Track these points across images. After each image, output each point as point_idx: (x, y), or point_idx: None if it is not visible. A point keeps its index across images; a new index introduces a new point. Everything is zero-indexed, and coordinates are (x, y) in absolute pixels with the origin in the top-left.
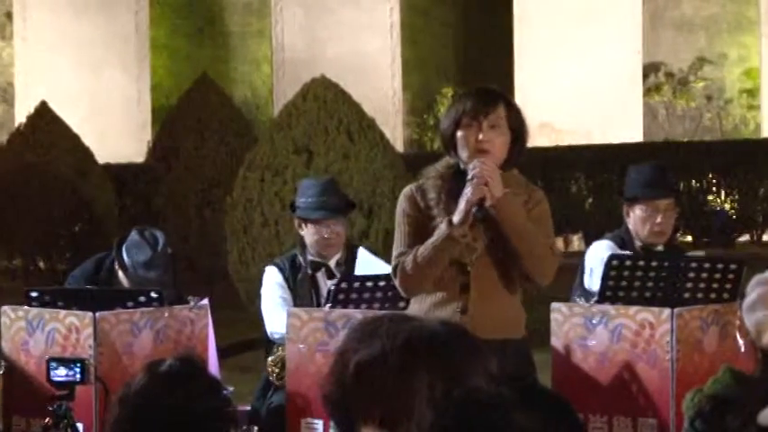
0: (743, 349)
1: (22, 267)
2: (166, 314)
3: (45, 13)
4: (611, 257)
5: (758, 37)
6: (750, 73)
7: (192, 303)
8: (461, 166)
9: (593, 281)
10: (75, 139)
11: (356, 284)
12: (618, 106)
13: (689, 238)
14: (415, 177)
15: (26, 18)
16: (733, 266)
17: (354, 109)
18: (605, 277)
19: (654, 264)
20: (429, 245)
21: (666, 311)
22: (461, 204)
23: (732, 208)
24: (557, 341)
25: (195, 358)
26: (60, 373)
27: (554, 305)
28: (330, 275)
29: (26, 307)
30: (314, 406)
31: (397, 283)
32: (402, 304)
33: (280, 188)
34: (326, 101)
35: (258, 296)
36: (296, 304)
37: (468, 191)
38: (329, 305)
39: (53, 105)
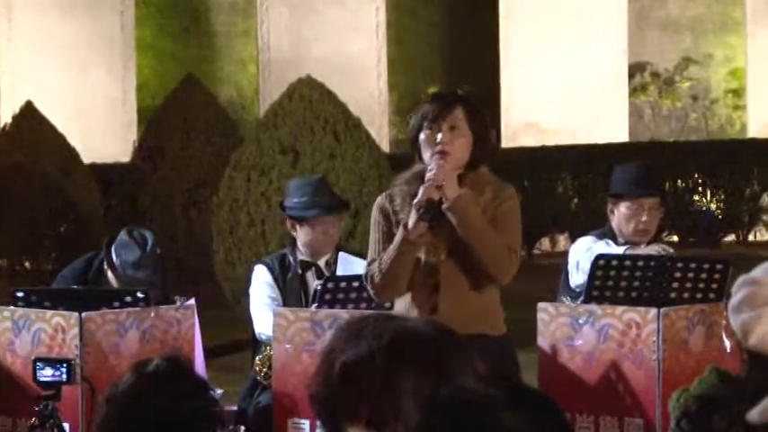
0: (729, 349)
1: (7, 267)
2: (153, 314)
3: (30, 13)
4: (598, 257)
5: (744, 37)
6: (736, 73)
7: (178, 303)
8: (422, 168)
9: (579, 275)
10: (60, 138)
11: (342, 284)
12: (604, 106)
13: (675, 238)
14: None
15: (11, 18)
16: (719, 266)
17: (340, 109)
18: (592, 277)
19: (640, 263)
20: (390, 251)
21: (653, 311)
22: (413, 217)
23: (718, 208)
24: (543, 341)
25: (182, 358)
26: (47, 374)
27: (540, 305)
28: (320, 275)
29: (12, 307)
30: (300, 406)
31: (369, 290)
32: (388, 304)
33: (266, 188)
34: (312, 101)
35: (245, 295)
36: (285, 304)
37: (419, 193)
38: (315, 305)
39: (38, 105)
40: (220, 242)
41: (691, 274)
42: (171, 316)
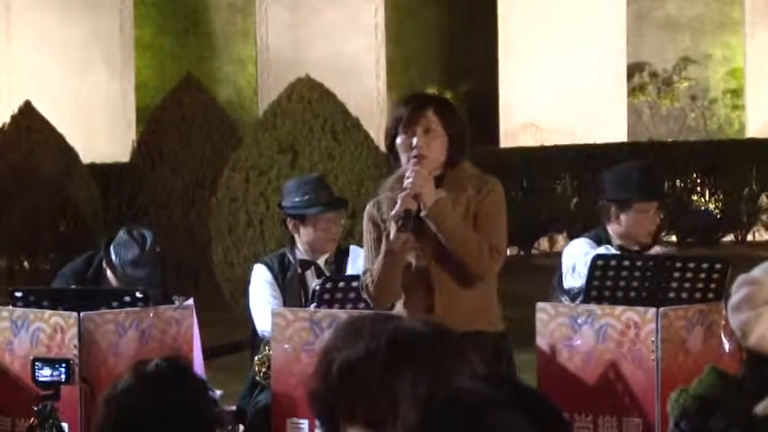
0: (728, 349)
1: (6, 267)
2: (151, 314)
3: (29, 13)
4: (597, 257)
5: (742, 37)
6: (734, 73)
7: (176, 303)
8: (403, 172)
9: (574, 278)
10: (59, 138)
11: (341, 284)
12: (602, 106)
13: (674, 238)
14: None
15: (10, 18)
16: (718, 266)
17: (339, 109)
18: (590, 277)
19: (639, 263)
20: (378, 261)
21: (652, 311)
22: (392, 228)
23: (717, 208)
24: (542, 341)
25: (181, 359)
26: (45, 374)
27: (539, 305)
28: (319, 274)
29: (11, 307)
30: (299, 406)
31: (366, 298)
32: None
33: (264, 188)
34: (311, 101)
35: (243, 295)
36: (285, 303)
37: (397, 204)
38: (314, 305)
39: (37, 105)
40: (219, 242)
41: (689, 274)
42: (170, 316)
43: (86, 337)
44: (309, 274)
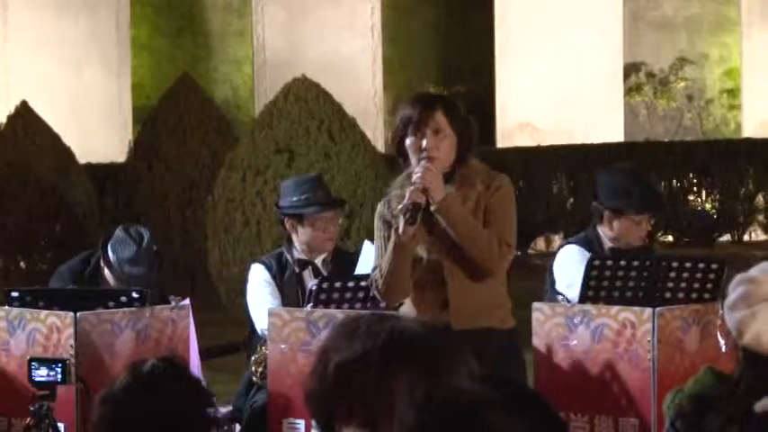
0: (724, 349)
1: (2, 267)
2: (148, 314)
3: (26, 12)
4: (593, 258)
5: (739, 37)
6: (731, 73)
7: (173, 303)
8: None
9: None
10: (55, 138)
11: (337, 284)
12: (599, 106)
13: (669, 238)
14: (395, 177)
15: (7, 17)
16: (714, 266)
17: (336, 109)
18: (586, 277)
19: (635, 264)
20: (387, 256)
21: (648, 311)
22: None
23: (713, 208)
24: (538, 341)
25: (178, 359)
26: (42, 374)
27: (535, 305)
28: (317, 274)
29: (7, 307)
30: (296, 406)
31: (376, 295)
32: (383, 304)
33: (261, 188)
34: (308, 101)
35: (240, 295)
36: (283, 303)
37: (406, 197)
38: (310, 305)
39: (33, 105)
40: (215, 242)
41: (686, 274)
42: (166, 316)
43: (83, 337)
44: (307, 273)
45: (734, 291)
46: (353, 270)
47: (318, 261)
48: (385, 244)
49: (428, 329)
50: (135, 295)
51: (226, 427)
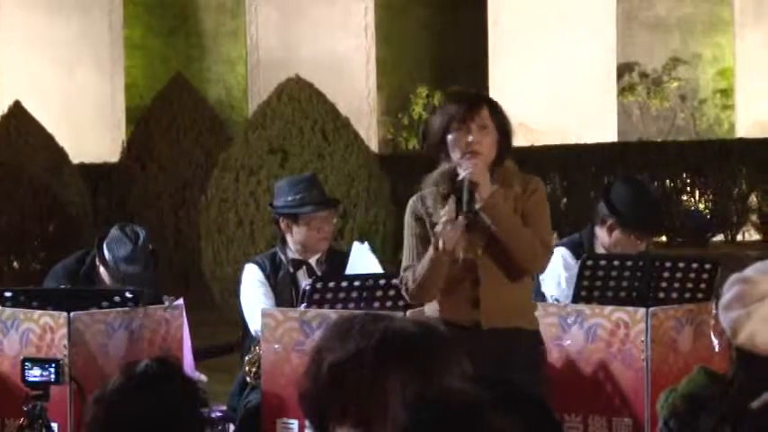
0: (717, 349)
1: None
2: (141, 314)
3: (18, 12)
4: (586, 257)
5: (732, 37)
6: (724, 73)
7: (166, 303)
8: (457, 168)
9: (561, 290)
10: (48, 138)
11: (331, 284)
12: (592, 106)
13: (663, 238)
14: (389, 177)
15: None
16: (708, 266)
17: (329, 109)
18: (580, 277)
19: (629, 263)
20: (423, 265)
21: (641, 311)
22: (450, 206)
23: (706, 208)
24: None
25: (172, 359)
26: (35, 374)
27: None
28: (311, 274)
29: (0, 307)
30: (289, 406)
31: (403, 294)
32: (377, 305)
33: (254, 188)
34: (301, 101)
35: (233, 295)
36: (277, 303)
37: (464, 179)
38: (304, 305)
39: (26, 105)
40: (208, 242)
41: (679, 274)
42: (160, 316)
43: (76, 337)
44: (301, 273)
45: (729, 290)
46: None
47: (312, 261)
48: (418, 242)
49: (422, 330)
50: (129, 295)
51: (219, 427)
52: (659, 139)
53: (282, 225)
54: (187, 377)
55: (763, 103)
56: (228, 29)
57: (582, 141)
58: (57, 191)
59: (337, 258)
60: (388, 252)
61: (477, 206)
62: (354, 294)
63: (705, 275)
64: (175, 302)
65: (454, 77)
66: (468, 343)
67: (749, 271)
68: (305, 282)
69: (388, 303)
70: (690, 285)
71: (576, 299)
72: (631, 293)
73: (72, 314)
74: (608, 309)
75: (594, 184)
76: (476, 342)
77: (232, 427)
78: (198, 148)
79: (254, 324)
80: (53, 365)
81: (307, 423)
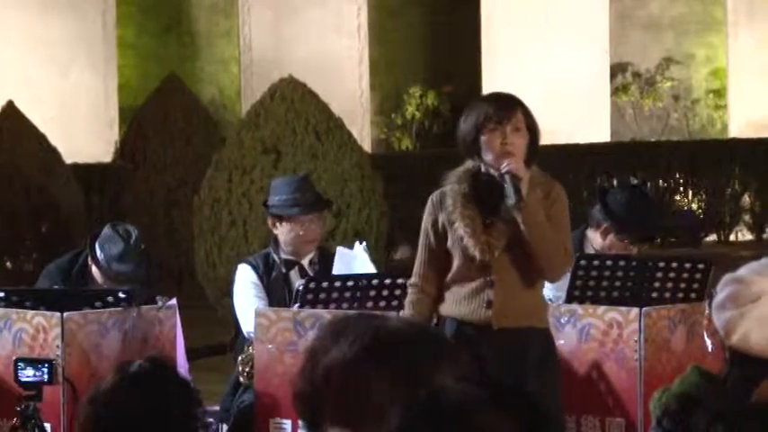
0: (710, 349)
1: None
2: (134, 314)
3: (11, 11)
4: (579, 257)
5: (725, 37)
6: (717, 73)
7: (159, 303)
8: (482, 168)
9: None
10: (41, 138)
11: (324, 284)
12: (585, 106)
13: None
14: (382, 177)
15: None
16: (701, 266)
17: (322, 109)
18: (573, 277)
19: (622, 263)
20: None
21: (634, 311)
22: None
23: (699, 208)
24: None
25: (165, 359)
26: (28, 374)
27: None
28: (303, 274)
29: None
30: (282, 406)
31: (410, 294)
32: (370, 304)
33: (247, 188)
34: (294, 101)
35: (226, 295)
36: (269, 303)
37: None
38: (297, 305)
39: (19, 105)
40: (202, 242)
41: (672, 274)
42: (153, 316)
43: (69, 337)
44: (294, 273)
45: (722, 290)
46: None
47: (305, 261)
48: (429, 243)
49: (415, 329)
50: (122, 295)
51: (213, 428)
52: (652, 139)
53: (270, 223)
54: (180, 377)
55: (756, 104)
56: (222, 29)
57: (575, 141)
58: (50, 191)
59: (330, 259)
60: (381, 252)
61: (511, 203)
62: (348, 294)
63: (698, 275)
64: (168, 302)
65: (447, 78)
66: (481, 342)
67: (742, 271)
68: (298, 282)
69: (382, 303)
70: (683, 285)
71: (570, 299)
72: (624, 293)
73: (65, 314)
74: (601, 308)
75: (587, 184)
76: (490, 341)
77: (225, 427)
78: (191, 149)
79: (247, 325)
80: (46, 366)
81: (300, 423)
